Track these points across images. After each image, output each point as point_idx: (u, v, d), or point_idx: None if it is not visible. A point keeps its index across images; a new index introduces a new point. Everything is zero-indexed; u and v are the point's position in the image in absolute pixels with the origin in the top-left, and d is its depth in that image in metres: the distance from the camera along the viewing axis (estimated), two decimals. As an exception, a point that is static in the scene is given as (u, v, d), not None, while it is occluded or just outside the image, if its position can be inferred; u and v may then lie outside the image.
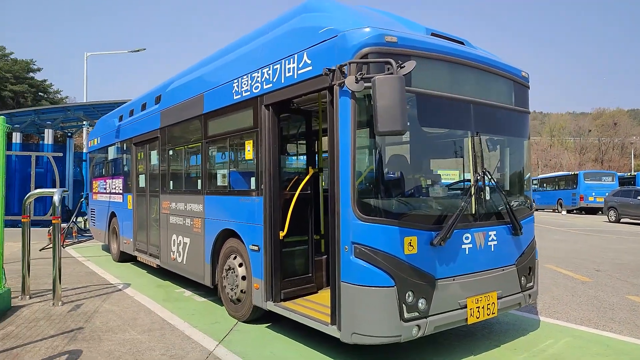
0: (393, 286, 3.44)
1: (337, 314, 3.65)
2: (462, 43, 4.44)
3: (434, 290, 3.66)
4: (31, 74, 59.56)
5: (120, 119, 9.18)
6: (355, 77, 3.29)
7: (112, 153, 9.70)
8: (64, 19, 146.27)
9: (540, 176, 41.21)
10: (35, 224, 12.49)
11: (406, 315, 3.50)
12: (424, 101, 3.76)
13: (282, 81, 4.30)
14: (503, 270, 4.24)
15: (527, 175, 4.87)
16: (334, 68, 3.58)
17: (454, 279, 3.81)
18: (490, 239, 4.13)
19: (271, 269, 4.49)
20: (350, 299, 3.55)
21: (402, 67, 3.20)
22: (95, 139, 10.93)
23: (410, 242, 3.55)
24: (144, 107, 7.98)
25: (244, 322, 5.03)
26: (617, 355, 4.13)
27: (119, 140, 9.11)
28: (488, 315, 4.05)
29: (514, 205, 4.44)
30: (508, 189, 4.69)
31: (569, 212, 31.17)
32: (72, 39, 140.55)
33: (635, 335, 4.71)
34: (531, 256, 4.60)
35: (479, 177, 4.01)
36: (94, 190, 11.16)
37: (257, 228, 4.64)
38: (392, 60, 3.20)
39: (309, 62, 3.97)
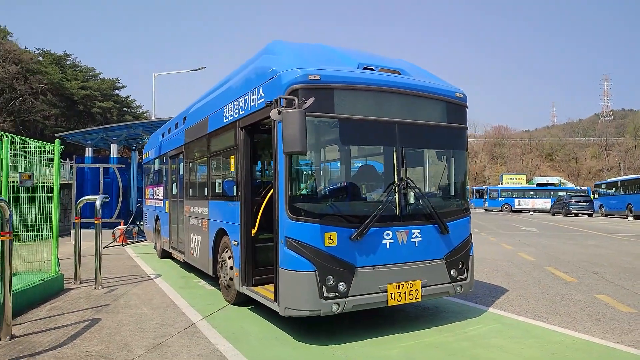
0: (314, 271, 4.38)
1: (277, 293, 4.65)
2: (398, 72, 5.27)
3: (354, 276, 4.54)
4: (116, 91, 65.76)
5: (163, 135, 10.77)
6: (277, 109, 4.29)
7: (157, 164, 11.33)
8: (140, 41, 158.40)
9: (609, 180, 38.92)
10: (103, 225, 14.60)
11: (326, 294, 4.41)
12: (345, 124, 4.67)
13: (249, 109, 5.39)
14: (429, 263, 5.00)
15: (461, 182, 5.53)
16: (272, 101, 4.60)
17: (373, 268, 4.66)
18: (414, 236, 4.91)
19: (245, 260, 5.56)
20: (284, 281, 4.53)
21: (304, 102, 4.16)
22: (147, 153, 12.70)
23: (330, 237, 4.47)
24: (176, 126, 9.43)
25: (232, 304, 6.15)
26: (527, 339, 4.73)
27: (160, 153, 10.69)
28: (411, 299, 4.84)
29: (442, 208, 5.18)
30: (438, 194, 5.43)
31: (636, 217, 29.35)
32: (154, 57, 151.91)
33: (562, 325, 5.22)
34: (464, 252, 5.29)
35: (398, 184, 4.82)
36: (146, 197, 12.93)
37: (236, 227, 5.74)
38: (295, 98, 4.18)
39: (262, 94, 5.02)
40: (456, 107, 5.41)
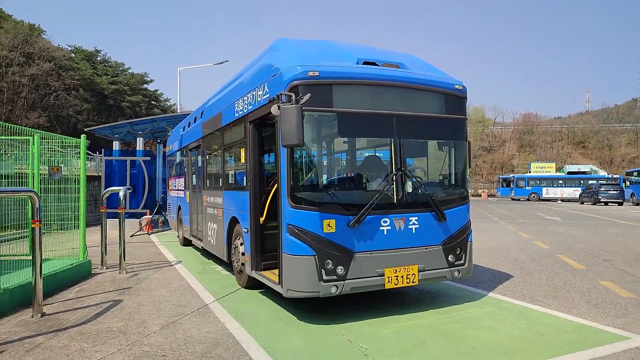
0: (314, 255, 4.69)
1: (280, 276, 4.98)
2: (397, 66, 5.47)
3: (351, 260, 4.82)
4: (145, 86, 67.38)
5: (184, 129, 11.23)
6: (277, 105, 4.58)
7: (178, 157, 11.83)
8: (167, 36, 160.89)
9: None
10: (130, 215, 15.31)
11: (325, 277, 4.72)
12: (344, 117, 4.93)
13: (256, 104, 5.70)
14: (426, 248, 5.23)
15: (461, 171, 5.71)
16: (274, 97, 4.90)
17: (371, 253, 4.93)
18: (411, 223, 5.15)
19: (254, 246, 5.91)
20: (286, 264, 4.86)
21: (301, 98, 4.44)
22: (170, 145, 13.23)
23: (329, 224, 4.76)
24: (195, 120, 9.86)
25: (244, 288, 6.53)
26: (519, 321, 4.93)
27: (181, 146, 11.16)
28: (408, 283, 5.09)
29: (439, 196, 5.39)
30: (436, 183, 5.63)
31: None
32: (181, 52, 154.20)
33: (558, 309, 5.38)
34: (462, 238, 5.49)
35: (395, 174, 5.05)
36: (169, 188, 13.50)
37: (247, 215, 6.09)
38: (292, 94, 4.46)
39: (267, 90, 5.32)
40: (455, 99, 5.58)
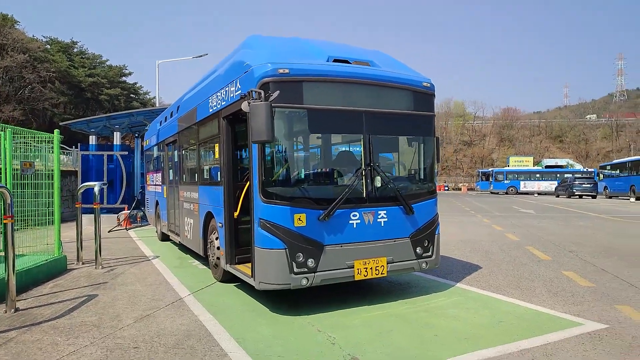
0: (284, 249, 4.82)
1: (253, 269, 5.10)
2: (367, 64, 5.61)
3: (322, 253, 4.97)
4: (123, 78, 66.26)
5: (160, 123, 11.21)
6: (248, 101, 4.68)
7: (156, 152, 11.80)
8: (146, 27, 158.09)
9: (614, 161, 38.83)
10: (108, 210, 15.20)
11: (295, 270, 4.86)
12: (313, 113, 5.05)
13: (229, 100, 5.78)
14: (395, 241, 5.41)
15: (429, 166, 5.90)
16: (246, 93, 4.99)
17: (341, 246, 5.08)
18: (380, 216, 5.32)
19: (229, 240, 6.01)
20: (258, 258, 4.98)
21: (270, 95, 4.55)
22: (147, 140, 13.17)
23: (299, 218, 4.89)
24: (171, 114, 9.85)
25: (220, 281, 6.63)
26: (482, 310, 5.16)
27: (158, 141, 11.14)
28: (377, 275, 5.27)
29: (407, 191, 5.58)
30: (405, 177, 5.82)
31: (639, 199, 29.43)
32: (159, 45, 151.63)
33: (519, 298, 5.63)
34: (429, 231, 5.69)
35: (365, 169, 5.21)
36: (147, 183, 13.45)
37: (221, 210, 6.18)
38: (262, 91, 4.57)
39: (239, 87, 5.41)
40: (423, 96, 5.75)
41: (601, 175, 38.80)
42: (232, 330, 4.55)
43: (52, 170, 7.71)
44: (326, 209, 4.98)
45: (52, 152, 7.87)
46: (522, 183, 48.12)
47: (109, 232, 13.17)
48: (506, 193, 47.16)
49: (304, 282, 4.90)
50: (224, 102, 5.97)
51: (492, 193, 48.52)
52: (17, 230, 7.29)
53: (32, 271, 6.73)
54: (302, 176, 5.36)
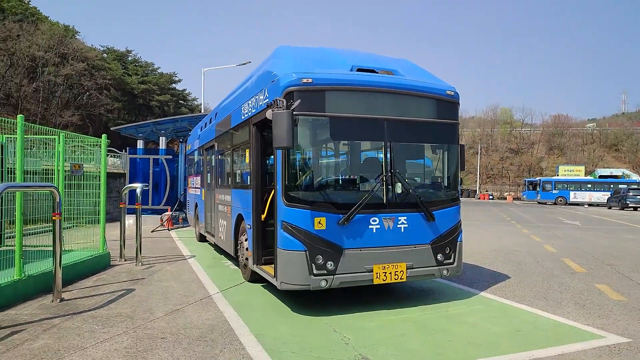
0: (305, 251, 5.02)
1: (275, 269, 5.33)
2: (391, 72, 5.75)
3: (341, 256, 5.13)
4: (173, 85, 69.03)
5: (201, 129, 11.73)
6: (272, 110, 4.93)
7: (196, 156, 12.34)
8: (194, 36, 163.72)
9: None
10: (153, 211, 15.99)
11: (315, 271, 5.04)
12: (336, 121, 5.23)
13: (258, 108, 6.07)
14: (415, 247, 5.49)
15: (452, 174, 5.93)
16: (271, 102, 5.25)
17: (360, 250, 5.22)
18: (400, 222, 5.42)
19: (256, 242, 6.28)
20: (280, 259, 5.20)
21: (292, 104, 4.78)
22: (189, 145, 13.79)
23: (319, 221, 5.08)
24: (210, 120, 10.32)
25: (248, 281, 6.91)
26: (502, 318, 5.14)
27: (198, 146, 11.67)
28: (396, 279, 5.36)
29: (428, 197, 5.64)
30: (427, 184, 5.88)
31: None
32: (207, 52, 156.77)
33: (543, 308, 5.55)
34: (451, 238, 5.72)
35: (385, 176, 5.33)
36: (188, 186, 14.05)
37: (250, 212, 6.47)
38: (284, 100, 4.80)
39: (267, 95, 5.68)
40: (446, 104, 5.81)
41: (659, 187, 36.65)
42: (252, 326, 4.79)
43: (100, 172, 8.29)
44: (346, 213, 5.14)
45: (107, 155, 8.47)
46: (572, 193, 46.09)
47: (152, 232, 13.85)
48: (554, 203, 45.32)
49: (323, 283, 5.07)
50: (254, 110, 6.26)
51: (539, 203, 46.79)
52: (67, 227, 7.91)
53: (78, 265, 7.26)
54: (323, 181, 5.55)
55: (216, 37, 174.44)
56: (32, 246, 7.06)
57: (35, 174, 7.84)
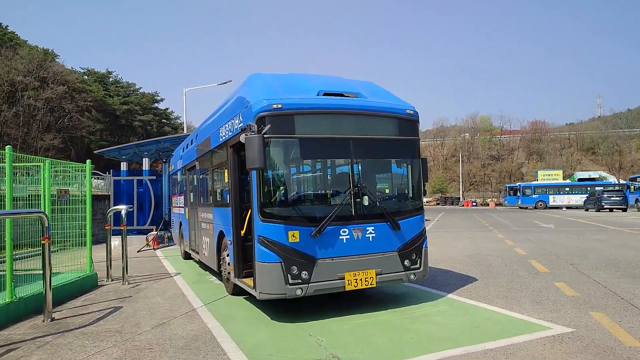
0: (280, 262, 5.45)
1: (254, 281, 5.74)
2: (355, 95, 6.27)
3: (314, 266, 5.57)
4: (155, 105, 69.12)
5: (183, 150, 12.12)
6: (245, 134, 5.39)
7: (179, 176, 12.71)
8: (174, 55, 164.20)
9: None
10: (138, 232, 16.23)
11: (290, 281, 5.47)
12: (305, 142, 5.72)
13: (234, 131, 6.52)
14: (383, 254, 5.96)
15: (415, 185, 6.44)
16: (245, 126, 5.71)
17: (332, 259, 5.67)
18: (368, 232, 5.89)
19: (236, 256, 6.68)
20: (258, 271, 5.62)
21: (262, 129, 5.26)
22: (172, 165, 14.15)
23: (293, 234, 5.52)
24: (192, 142, 10.73)
25: (231, 294, 7.28)
26: (463, 316, 5.63)
27: (181, 166, 12.05)
28: (366, 285, 5.82)
29: (393, 208, 6.13)
30: (391, 196, 6.38)
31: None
32: (187, 71, 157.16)
33: (502, 306, 6.05)
34: (417, 245, 6.21)
35: (352, 190, 5.82)
36: (173, 205, 14.38)
37: (230, 229, 6.87)
38: (253, 124, 5.28)
39: (241, 120, 6.15)
40: (406, 122, 6.34)
41: (632, 188, 37.93)
42: (233, 334, 5.19)
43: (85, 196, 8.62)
44: (317, 226, 5.60)
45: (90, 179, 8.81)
46: (551, 197, 47.28)
47: (138, 252, 14.08)
48: (535, 208, 46.42)
49: (299, 292, 5.50)
50: (231, 133, 6.72)
51: (520, 208, 47.86)
52: (55, 251, 8.19)
53: (67, 287, 7.56)
54: (296, 197, 6.01)
55: (197, 56, 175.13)
56: (21, 270, 7.36)
57: (22, 200, 8.15)
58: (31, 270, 7.57)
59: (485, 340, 4.69)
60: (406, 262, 6.11)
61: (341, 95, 6.17)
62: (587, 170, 67.63)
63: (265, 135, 5.35)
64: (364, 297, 6.81)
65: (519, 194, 49.12)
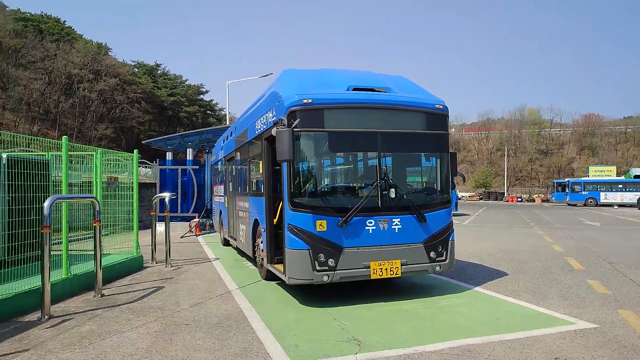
0: (308, 249, 5.74)
1: (284, 267, 6.07)
2: (384, 90, 6.43)
3: (341, 254, 5.82)
4: (200, 96, 71.10)
5: (223, 141, 12.64)
6: (276, 128, 5.69)
7: (219, 166, 13.26)
8: (220, 48, 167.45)
9: None
10: (182, 219, 17.02)
11: (318, 268, 5.75)
12: (334, 135, 5.96)
13: (268, 124, 6.84)
14: (408, 246, 6.13)
15: (443, 179, 6.54)
16: (277, 120, 6.01)
17: (358, 248, 5.90)
18: (394, 224, 6.07)
19: (269, 243, 7.03)
20: (288, 257, 5.94)
21: (292, 122, 5.53)
22: (213, 156, 14.74)
23: (321, 224, 5.79)
24: (231, 134, 11.19)
25: (264, 279, 7.67)
26: (486, 308, 5.72)
27: (221, 157, 12.57)
28: (391, 275, 6.01)
29: (420, 201, 6.28)
30: (419, 189, 6.52)
31: None
32: (233, 63, 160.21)
33: (528, 301, 6.08)
34: (443, 237, 6.33)
35: (379, 182, 6.00)
36: (214, 194, 15.00)
37: (264, 217, 7.23)
38: (284, 118, 5.56)
39: (275, 114, 6.45)
40: (435, 117, 6.45)
41: (692, 186, 35.67)
42: (263, 315, 5.53)
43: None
44: (344, 216, 5.84)
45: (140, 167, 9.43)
46: (602, 194, 45.16)
47: (181, 237, 14.83)
48: (585, 205, 44.54)
49: (325, 278, 5.77)
50: (265, 126, 7.04)
51: (569, 205, 46.03)
52: (105, 234, 8.86)
53: (115, 267, 8.19)
54: (324, 188, 6.27)
55: (240, 48, 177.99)
56: (75, 250, 8.04)
57: (76, 187, 8.85)
58: (84, 250, 8.25)
59: (505, 332, 4.79)
60: (432, 254, 6.25)
61: (371, 90, 6.35)
62: (644, 167, 63.96)
63: (295, 129, 5.62)
64: (391, 287, 7.01)
65: (567, 190, 47.20)
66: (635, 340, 4.53)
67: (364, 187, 6.28)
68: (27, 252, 6.80)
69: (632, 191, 44.19)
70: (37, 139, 7.17)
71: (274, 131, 5.72)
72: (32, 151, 8.72)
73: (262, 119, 7.26)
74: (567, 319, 5.25)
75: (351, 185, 6.49)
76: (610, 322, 5.09)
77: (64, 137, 6.93)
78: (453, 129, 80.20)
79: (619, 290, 6.65)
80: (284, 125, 5.63)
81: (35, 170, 7.22)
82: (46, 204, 5.61)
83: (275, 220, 6.98)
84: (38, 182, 7.15)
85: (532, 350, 4.26)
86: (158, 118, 61.86)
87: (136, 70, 61.57)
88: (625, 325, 5.00)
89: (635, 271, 8.08)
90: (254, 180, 8.39)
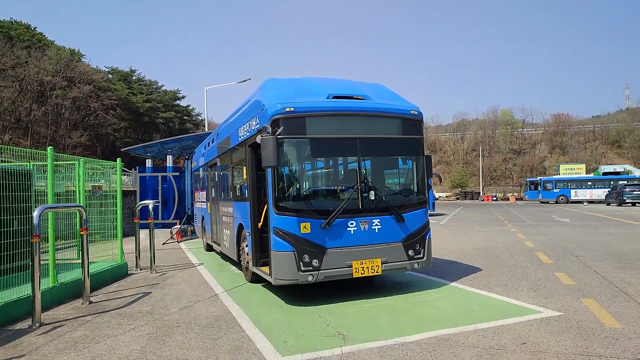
0: (293, 251, 6.01)
1: (270, 268, 6.32)
2: (362, 98, 6.76)
3: (324, 254, 6.11)
4: (177, 102, 70.50)
5: (204, 147, 12.79)
6: (261, 135, 5.96)
7: (201, 172, 13.40)
8: (195, 53, 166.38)
9: None
10: (163, 225, 17.07)
11: (302, 268, 6.02)
12: (315, 141, 6.26)
13: (251, 132, 7.10)
14: (388, 245, 6.46)
15: (419, 181, 6.91)
16: (261, 128, 6.28)
17: (340, 249, 6.20)
18: (374, 224, 6.40)
19: (254, 246, 7.27)
20: (273, 259, 6.19)
21: (276, 130, 5.81)
22: (194, 162, 14.87)
23: (305, 226, 6.07)
24: (213, 140, 11.38)
25: (250, 282, 7.89)
26: (461, 302, 6.10)
27: (203, 163, 12.73)
28: (372, 273, 6.33)
29: (398, 202, 6.62)
30: (396, 191, 6.87)
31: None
32: (210, 68, 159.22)
33: (500, 293, 6.49)
34: (420, 236, 6.69)
35: (359, 185, 6.33)
36: (195, 200, 15.11)
37: (249, 221, 7.46)
38: (268, 126, 5.84)
39: (258, 121, 6.71)
40: (411, 122, 6.81)
41: (656, 182, 37.26)
42: (251, 315, 5.78)
43: (115, 191, 9.34)
44: (327, 218, 6.13)
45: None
46: (572, 191, 46.76)
47: (163, 244, 14.87)
48: (556, 202, 46.01)
49: (310, 278, 6.05)
50: (248, 133, 7.29)
51: (541, 202, 47.47)
52: (90, 242, 8.91)
53: (101, 275, 8.29)
54: (307, 192, 6.56)
55: (217, 53, 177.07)
56: (60, 259, 8.11)
57: (58, 196, 8.90)
58: (68, 259, 8.32)
59: (478, 322, 5.16)
60: (410, 252, 6.60)
61: (349, 97, 6.67)
62: (612, 164, 66.36)
63: (279, 136, 5.90)
64: (372, 284, 7.33)
65: (539, 188, 48.69)
66: (594, 325, 4.95)
67: (345, 190, 6.59)
68: (11, 262, 6.87)
69: (600, 188, 45.85)
70: (19, 150, 7.22)
71: (258, 138, 5.98)
72: (10, 161, 8.76)
73: (245, 126, 7.51)
74: (535, 308, 5.66)
75: (333, 188, 6.79)
76: (574, 310, 5.51)
77: (49, 148, 7.03)
78: (427, 130, 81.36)
79: (583, 281, 7.13)
80: (268, 132, 5.90)
81: (17, 181, 7.29)
82: (35, 213, 5.73)
83: (260, 224, 7.23)
84: (21, 192, 7.22)
85: (503, 337, 4.63)
86: (134, 124, 61.15)
87: (110, 76, 60.78)
88: (587, 312, 5.43)
89: (599, 263, 8.61)
90: (238, 186, 8.61)
